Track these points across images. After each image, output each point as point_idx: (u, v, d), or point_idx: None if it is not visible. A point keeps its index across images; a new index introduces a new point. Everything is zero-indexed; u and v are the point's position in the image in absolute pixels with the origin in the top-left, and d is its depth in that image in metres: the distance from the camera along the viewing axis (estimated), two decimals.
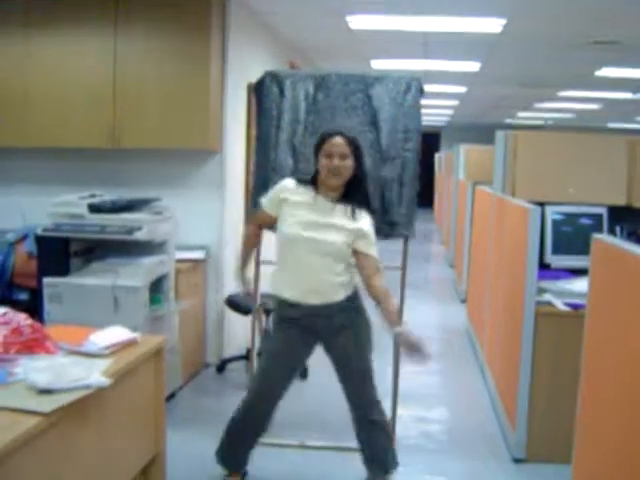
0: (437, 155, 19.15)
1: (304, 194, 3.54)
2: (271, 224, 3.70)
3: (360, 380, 3.72)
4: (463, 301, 8.44)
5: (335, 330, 3.61)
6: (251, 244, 3.97)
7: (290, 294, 3.57)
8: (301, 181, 3.60)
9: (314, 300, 3.53)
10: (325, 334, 3.64)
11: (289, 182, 3.62)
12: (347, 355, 3.67)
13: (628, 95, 11.67)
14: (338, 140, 3.43)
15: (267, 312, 4.84)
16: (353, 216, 3.48)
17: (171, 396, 5.00)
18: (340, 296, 3.55)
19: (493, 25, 6.52)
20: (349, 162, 3.43)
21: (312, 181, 3.55)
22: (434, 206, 18.88)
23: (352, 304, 3.62)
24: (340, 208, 3.50)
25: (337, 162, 3.40)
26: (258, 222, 3.84)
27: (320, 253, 3.46)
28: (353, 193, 3.52)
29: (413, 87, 4.14)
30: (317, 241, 3.45)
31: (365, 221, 3.52)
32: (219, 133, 5.65)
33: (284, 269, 3.61)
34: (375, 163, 4.09)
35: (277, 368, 3.70)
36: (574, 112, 16.10)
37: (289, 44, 7.92)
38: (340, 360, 3.69)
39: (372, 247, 3.53)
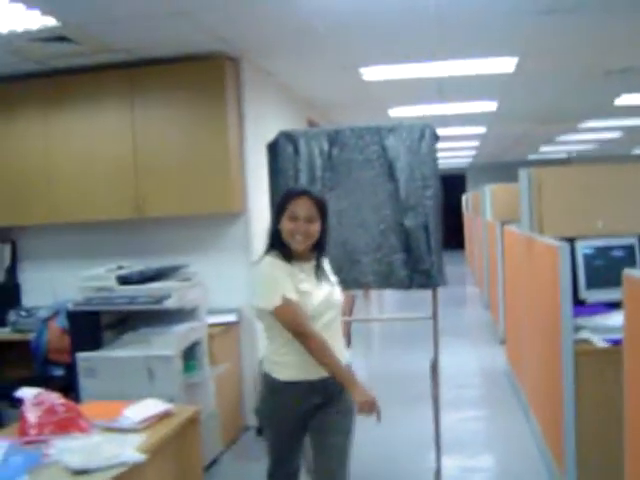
0: (464, 196, 19.11)
1: (286, 265, 3.17)
2: None
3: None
4: (502, 342, 8.32)
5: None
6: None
7: (316, 373, 3.15)
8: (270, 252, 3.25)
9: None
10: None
11: (270, 259, 3.19)
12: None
13: None
14: (305, 201, 3.14)
15: None
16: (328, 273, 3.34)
17: (213, 462, 4.95)
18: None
19: (506, 64, 6.53)
20: (316, 226, 3.17)
21: (277, 246, 3.21)
22: (465, 248, 18.76)
23: None
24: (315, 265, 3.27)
25: (303, 227, 3.13)
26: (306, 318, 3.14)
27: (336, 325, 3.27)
28: (320, 252, 3.28)
29: (427, 134, 4.13)
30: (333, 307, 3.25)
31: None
32: (242, 194, 5.67)
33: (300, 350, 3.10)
34: (396, 213, 4.09)
35: None
36: (597, 142, 16.01)
37: (305, 101, 7.99)
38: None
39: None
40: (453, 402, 6.20)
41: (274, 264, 3.15)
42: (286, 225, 3.13)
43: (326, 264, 3.36)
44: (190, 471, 3.35)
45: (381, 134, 4.14)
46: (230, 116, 5.47)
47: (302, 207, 3.12)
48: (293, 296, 3.06)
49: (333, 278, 3.34)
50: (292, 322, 3.05)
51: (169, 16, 4.52)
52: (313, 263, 3.24)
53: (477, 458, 5.10)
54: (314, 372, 3.10)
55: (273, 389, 3.19)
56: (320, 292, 3.16)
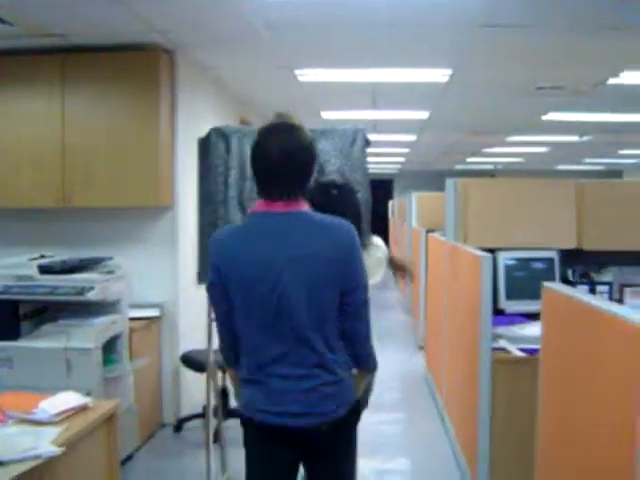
0: (391, 202, 19.30)
1: None
2: None
3: None
4: (421, 347, 8.44)
5: None
6: None
7: None
8: None
9: None
10: None
11: None
12: None
13: (575, 138, 11.92)
14: None
15: (222, 369, 4.76)
16: None
17: (128, 458, 4.90)
18: None
19: (439, 75, 6.64)
20: None
21: None
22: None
23: None
24: None
25: None
26: None
27: None
28: None
29: (359, 139, 4.15)
30: None
31: None
32: (170, 189, 5.62)
33: None
34: None
35: None
36: (523, 156, 16.39)
37: (239, 99, 7.96)
38: None
39: None
40: (371, 405, 6.24)
41: None
42: None
43: None
44: (106, 466, 3.31)
45: (313, 137, 4.14)
46: (162, 109, 5.41)
47: None
48: None
49: None
50: None
51: (105, 3, 4.44)
52: None
53: (393, 461, 5.17)
54: None
55: None
56: None
